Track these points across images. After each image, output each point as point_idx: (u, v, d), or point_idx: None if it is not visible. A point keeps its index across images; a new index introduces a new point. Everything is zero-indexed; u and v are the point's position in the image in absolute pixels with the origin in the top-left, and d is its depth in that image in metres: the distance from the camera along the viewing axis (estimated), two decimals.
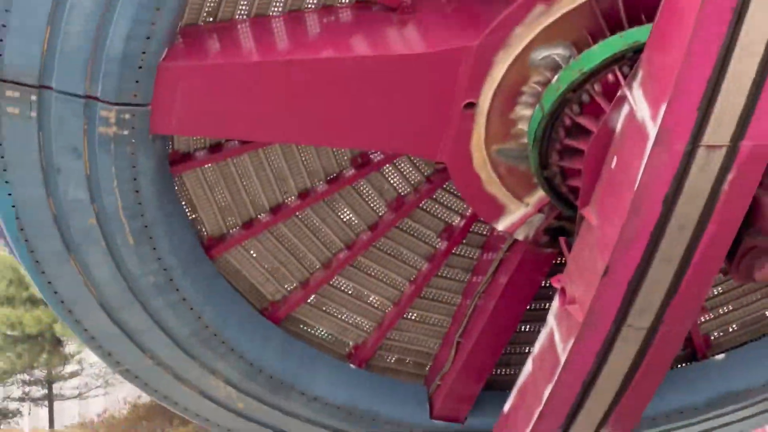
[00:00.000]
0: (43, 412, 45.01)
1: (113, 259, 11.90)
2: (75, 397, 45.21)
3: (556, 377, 11.72)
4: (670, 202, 10.32)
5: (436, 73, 11.46)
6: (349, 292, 13.95)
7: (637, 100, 10.36)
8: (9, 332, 40.53)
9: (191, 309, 12.59)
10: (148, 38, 10.37)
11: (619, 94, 10.52)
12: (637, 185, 10.15)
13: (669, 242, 10.52)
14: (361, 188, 13.10)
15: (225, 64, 11.33)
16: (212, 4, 11.10)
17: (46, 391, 43.79)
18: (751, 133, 9.73)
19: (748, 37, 9.48)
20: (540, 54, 11.30)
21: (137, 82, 10.62)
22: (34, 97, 10.68)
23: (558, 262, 12.54)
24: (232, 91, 11.53)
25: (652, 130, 9.98)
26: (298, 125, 12.15)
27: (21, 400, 44.69)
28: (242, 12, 11.32)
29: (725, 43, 9.56)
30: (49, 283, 12.35)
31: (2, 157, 11.07)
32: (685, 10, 9.89)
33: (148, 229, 11.88)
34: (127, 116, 10.84)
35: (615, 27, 10.97)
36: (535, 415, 12.10)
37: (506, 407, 12.83)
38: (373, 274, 13.78)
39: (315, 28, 11.60)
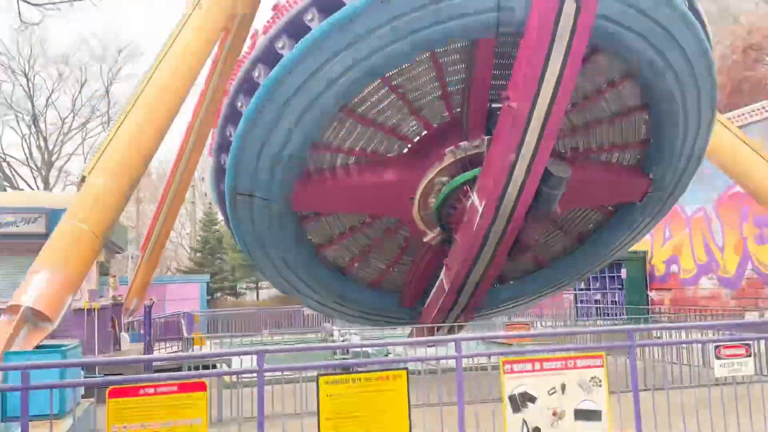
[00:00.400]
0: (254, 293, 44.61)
1: (282, 254, 12.91)
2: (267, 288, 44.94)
3: (444, 295, 12.79)
4: (487, 234, 11.31)
5: (400, 188, 12.33)
6: (370, 263, 14.35)
7: (475, 197, 11.30)
8: (242, 263, 40.07)
9: (308, 269, 13.40)
10: (288, 182, 11.46)
11: (469, 194, 11.55)
12: (474, 228, 11.24)
13: (486, 250, 11.61)
14: (375, 225, 13.71)
15: (320, 187, 12.10)
16: (312, 165, 11.93)
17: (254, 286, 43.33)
18: (515, 214, 11.01)
19: (516, 177, 10.48)
20: (438, 179, 12.12)
21: (288, 194, 11.61)
22: (249, 198, 11.63)
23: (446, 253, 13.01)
24: (324, 195, 12.34)
25: (480, 209, 11.01)
26: (352, 206, 13.03)
27: (245, 289, 44.20)
28: (324, 168, 12.16)
29: (507, 179, 10.50)
30: (252, 257, 13.59)
31: (237, 219, 12.26)
32: (491, 165, 10.76)
33: (290, 244, 12.72)
34: (284, 204, 11.80)
35: (464, 168, 11.89)
36: (437, 307, 13.17)
37: (426, 303, 13.76)
38: (378, 256, 14.27)
39: (356, 171, 12.33)
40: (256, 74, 10.45)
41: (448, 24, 9.73)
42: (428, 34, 9.85)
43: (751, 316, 15.78)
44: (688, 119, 11.86)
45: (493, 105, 11.61)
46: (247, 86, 10.65)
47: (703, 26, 11.07)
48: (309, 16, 9.77)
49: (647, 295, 23.69)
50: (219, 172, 12.10)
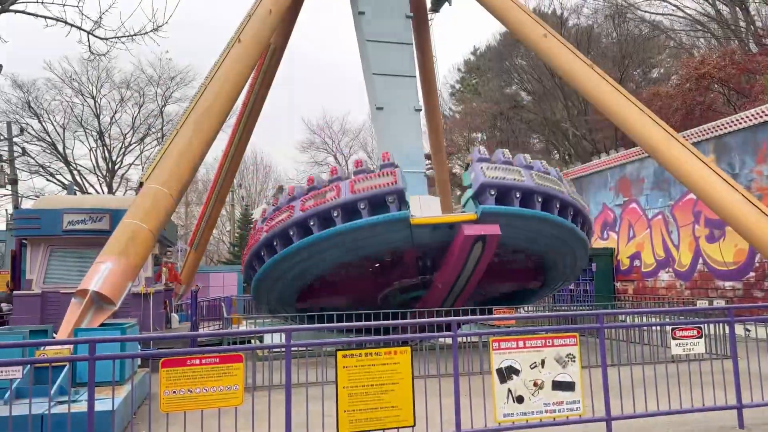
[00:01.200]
0: None
1: (287, 313, 14.21)
2: None
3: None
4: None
5: (367, 295, 13.66)
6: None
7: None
8: None
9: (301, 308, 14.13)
10: (292, 296, 13.51)
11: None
12: None
13: (459, 283, 12.69)
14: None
15: (315, 296, 13.60)
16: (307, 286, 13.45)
17: None
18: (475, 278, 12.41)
19: (469, 263, 12.04)
20: (390, 292, 13.82)
21: (292, 301, 13.70)
22: (266, 302, 14.63)
23: None
24: (317, 300, 13.75)
25: None
26: (337, 303, 13.75)
27: None
28: (316, 285, 13.43)
29: (463, 264, 12.12)
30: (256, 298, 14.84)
31: (259, 302, 14.74)
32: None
33: (294, 305, 13.89)
34: (290, 305, 14.00)
35: (407, 291, 13.86)
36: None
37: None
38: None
39: (339, 285, 13.62)
40: (262, 253, 13.09)
41: (381, 247, 12.33)
42: (364, 252, 12.42)
43: (701, 304, 15.62)
44: (566, 268, 14.35)
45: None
46: (257, 259, 13.35)
47: (583, 220, 13.67)
48: (291, 232, 12.28)
49: (614, 285, 23.50)
50: (249, 276, 14.50)
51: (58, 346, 7.36)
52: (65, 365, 7.67)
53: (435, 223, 11.71)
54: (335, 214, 11.69)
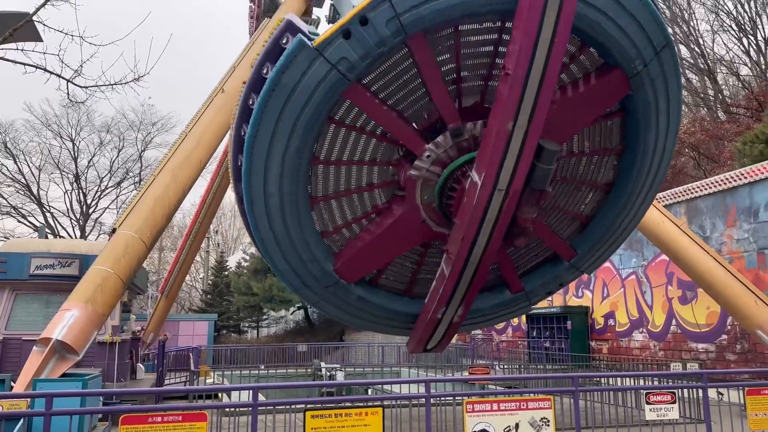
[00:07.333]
0: (255, 331, 43.40)
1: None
2: (267, 327, 42.95)
3: (444, 282, 10.68)
4: (486, 208, 9.76)
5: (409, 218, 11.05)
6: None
7: (474, 174, 9.62)
8: (245, 305, 38.08)
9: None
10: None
11: (468, 173, 10.01)
12: (474, 202, 9.63)
13: (484, 230, 9.93)
14: None
15: (352, 256, 11.12)
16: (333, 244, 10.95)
17: None
18: (513, 187, 9.40)
19: (513, 147, 9.13)
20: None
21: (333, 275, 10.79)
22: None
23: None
24: (357, 262, 11.21)
25: (479, 181, 9.45)
26: (385, 257, 11.42)
27: (248, 327, 42.70)
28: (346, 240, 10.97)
29: (505, 147, 9.07)
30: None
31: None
32: (490, 136, 9.25)
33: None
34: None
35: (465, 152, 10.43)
36: (437, 300, 10.88)
37: (428, 296, 11.28)
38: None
39: (372, 227, 10.92)
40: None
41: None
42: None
43: (675, 366, 15.63)
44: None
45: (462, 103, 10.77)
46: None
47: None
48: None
49: (589, 344, 23.50)
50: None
51: (13, 400, 7.03)
52: (20, 419, 7.32)
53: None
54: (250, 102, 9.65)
